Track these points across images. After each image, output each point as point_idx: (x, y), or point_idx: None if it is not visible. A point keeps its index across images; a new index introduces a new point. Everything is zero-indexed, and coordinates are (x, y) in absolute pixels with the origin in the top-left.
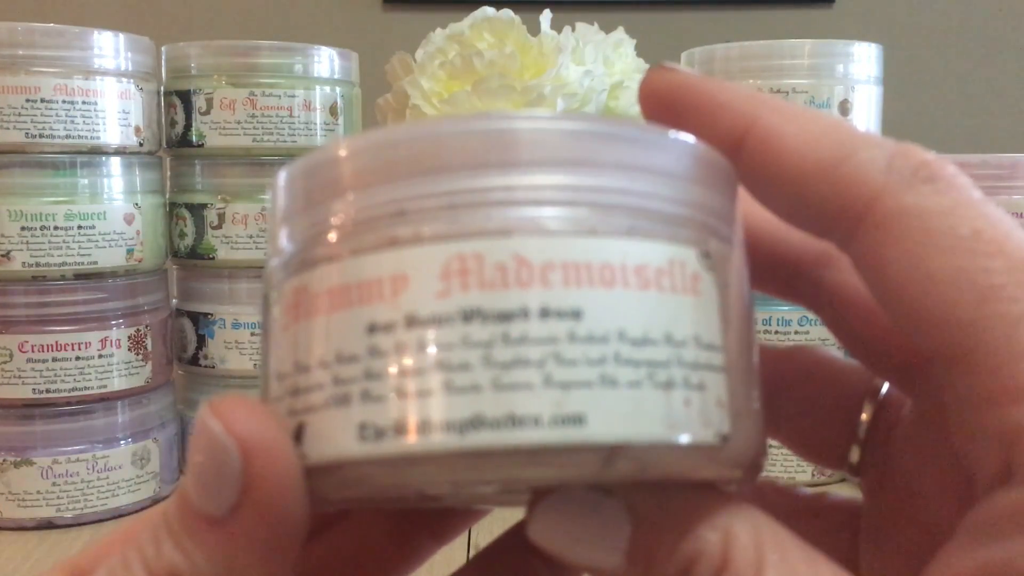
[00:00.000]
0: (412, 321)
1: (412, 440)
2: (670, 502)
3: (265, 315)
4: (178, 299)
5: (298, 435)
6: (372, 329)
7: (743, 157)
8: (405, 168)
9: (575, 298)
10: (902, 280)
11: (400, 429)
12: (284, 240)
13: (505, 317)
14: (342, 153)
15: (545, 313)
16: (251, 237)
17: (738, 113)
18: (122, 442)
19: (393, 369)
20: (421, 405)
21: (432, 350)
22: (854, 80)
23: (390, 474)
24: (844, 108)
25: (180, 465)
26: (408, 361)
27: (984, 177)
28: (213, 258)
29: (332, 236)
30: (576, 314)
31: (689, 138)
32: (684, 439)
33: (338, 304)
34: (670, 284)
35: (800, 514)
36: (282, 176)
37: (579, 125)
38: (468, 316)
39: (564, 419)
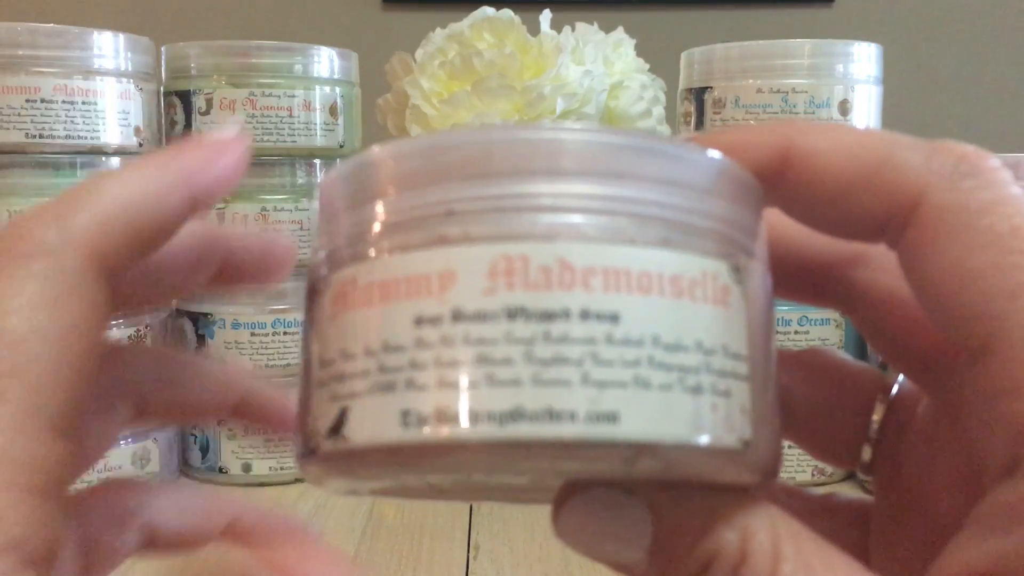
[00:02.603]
0: (458, 316)
1: (453, 428)
2: (690, 502)
3: (309, 305)
4: (178, 299)
5: (341, 419)
6: (419, 321)
7: (785, 184)
8: (455, 171)
9: (614, 302)
10: (941, 275)
11: (442, 417)
12: (333, 234)
13: (547, 316)
14: (394, 153)
15: (585, 315)
16: None
17: (768, 145)
18: (122, 442)
19: (438, 360)
20: (463, 396)
21: (476, 344)
22: (854, 80)
23: (429, 461)
24: (844, 108)
25: (180, 465)
26: (453, 353)
27: None
28: None
29: (383, 232)
30: (614, 318)
31: (722, 156)
32: (709, 442)
33: (387, 296)
34: (703, 295)
35: (810, 514)
36: (333, 173)
37: (622, 139)
38: (512, 314)
39: (599, 416)
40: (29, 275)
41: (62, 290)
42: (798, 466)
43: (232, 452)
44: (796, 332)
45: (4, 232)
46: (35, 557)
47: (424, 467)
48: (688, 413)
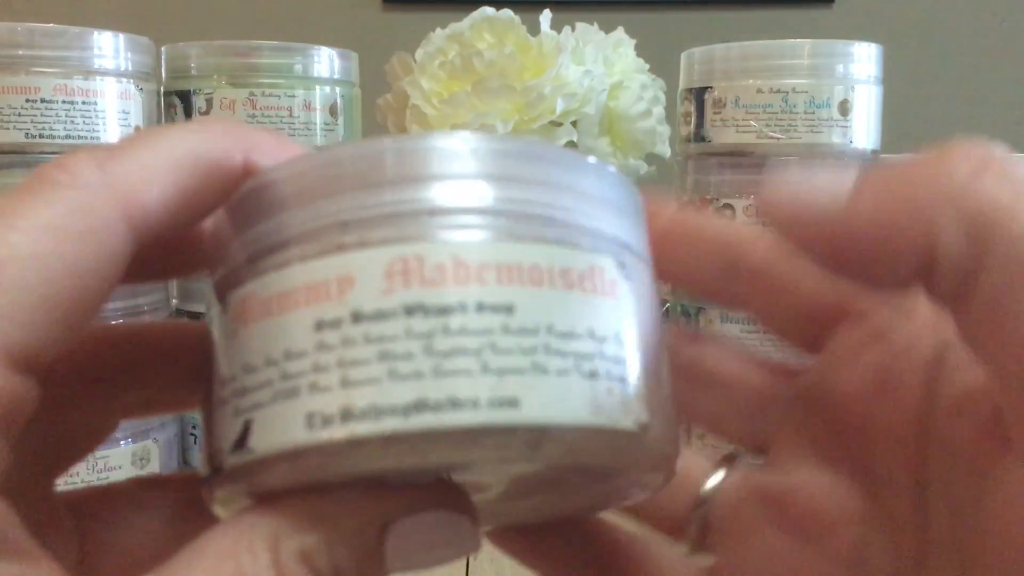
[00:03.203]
0: (358, 317)
1: (358, 424)
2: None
3: (209, 328)
4: (178, 299)
5: (245, 432)
6: (319, 326)
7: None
8: (348, 183)
9: (508, 295)
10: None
11: (347, 415)
12: (227, 256)
13: (444, 311)
14: (288, 172)
15: (481, 307)
16: None
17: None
18: (122, 442)
19: (340, 361)
20: (367, 392)
21: (377, 342)
22: (854, 80)
23: (337, 460)
24: (844, 108)
25: (180, 465)
26: (354, 352)
27: None
28: None
29: (280, 247)
30: (509, 309)
31: (607, 165)
32: (607, 423)
33: (286, 306)
34: (591, 286)
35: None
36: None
37: (511, 145)
38: (410, 310)
39: (500, 402)
40: (52, 200)
41: (80, 227)
42: None
43: None
44: None
45: (48, 162)
46: None
47: (331, 468)
48: (586, 396)
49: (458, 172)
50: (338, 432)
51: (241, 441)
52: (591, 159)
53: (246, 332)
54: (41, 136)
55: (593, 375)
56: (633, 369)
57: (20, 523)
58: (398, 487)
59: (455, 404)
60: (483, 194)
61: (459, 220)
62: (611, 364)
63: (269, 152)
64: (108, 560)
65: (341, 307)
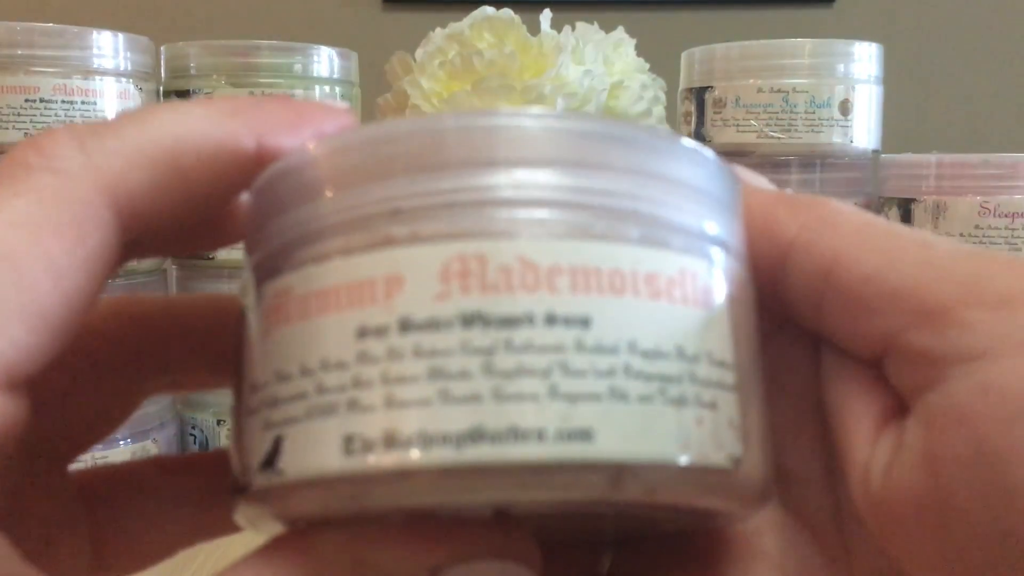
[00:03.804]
0: (407, 325)
1: (403, 454)
2: None
3: (240, 323)
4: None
5: (275, 449)
6: (362, 333)
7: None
8: (401, 165)
9: (583, 305)
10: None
11: (390, 441)
12: (263, 241)
13: (508, 323)
14: (332, 148)
15: (551, 320)
16: None
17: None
18: (121, 443)
19: (384, 376)
20: (415, 415)
21: (428, 356)
22: (854, 80)
23: (377, 492)
24: (844, 108)
25: None
26: (401, 367)
27: (984, 177)
28: (212, 258)
29: (320, 236)
30: (584, 322)
31: (703, 149)
32: (696, 460)
33: (325, 307)
34: (681, 295)
35: None
36: (264, 175)
37: (591, 126)
38: (468, 320)
39: (571, 434)
40: (25, 188)
41: (59, 219)
42: None
43: None
44: None
45: (22, 142)
46: None
47: (370, 500)
48: (671, 428)
49: (530, 156)
50: (379, 460)
51: (270, 460)
52: (685, 141)
53: (280, 333)
54: None
55: (680, 402)
56: (726, 392)
57: (13, 551)
58: (449, 524)
59: (517, 435)
60: (557, 183)
61: (529, 214)
62: (701, 388)
63: (289, 131)
64: (122, 554)
65: (387, 313)
